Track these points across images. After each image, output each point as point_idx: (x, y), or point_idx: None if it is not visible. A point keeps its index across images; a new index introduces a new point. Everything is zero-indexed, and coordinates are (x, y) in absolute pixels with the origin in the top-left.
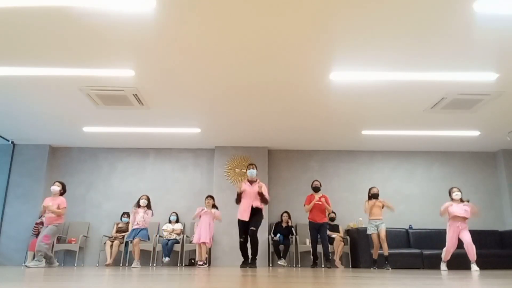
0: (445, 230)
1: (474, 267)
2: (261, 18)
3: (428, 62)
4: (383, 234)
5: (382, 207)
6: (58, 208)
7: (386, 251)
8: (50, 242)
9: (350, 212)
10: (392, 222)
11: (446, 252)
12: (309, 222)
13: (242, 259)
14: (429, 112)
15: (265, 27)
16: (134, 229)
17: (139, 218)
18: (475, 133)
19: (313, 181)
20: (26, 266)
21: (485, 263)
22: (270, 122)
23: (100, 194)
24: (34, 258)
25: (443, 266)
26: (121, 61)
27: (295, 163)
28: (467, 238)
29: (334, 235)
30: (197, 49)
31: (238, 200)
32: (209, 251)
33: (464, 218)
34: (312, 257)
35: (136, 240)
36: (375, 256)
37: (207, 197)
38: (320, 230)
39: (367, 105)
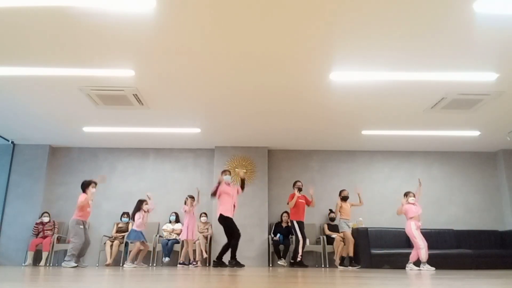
0: (445, 230)
1: (427, 266)
2: (261, 18)
3: (428, 62)
4: (350, 235)
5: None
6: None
7: (351, 252)
8: (73, 240)
9: (350, 212)
10: (392, 222)
11: (426, 252)
12: (296, 221)
13: (238, 258)
14: (429, 112)
15: (265, 27)
16: (139, 231)
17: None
18: (475, 133)
19: (297, 182)
20: (82, 266)
21: (485, 263)
22: (270, 122)
23: (100, 194)
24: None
25: (426, 266)
26: (121, 61)
27: (295, 163)
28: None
29: (334, 235)
30: (197, 49)
31: (214, 194)
32: (209, 251)
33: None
34: (300, 256)
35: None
36: (351, 254)
37: (191, 197)
38: (301, 228)
39: (367, 105)
